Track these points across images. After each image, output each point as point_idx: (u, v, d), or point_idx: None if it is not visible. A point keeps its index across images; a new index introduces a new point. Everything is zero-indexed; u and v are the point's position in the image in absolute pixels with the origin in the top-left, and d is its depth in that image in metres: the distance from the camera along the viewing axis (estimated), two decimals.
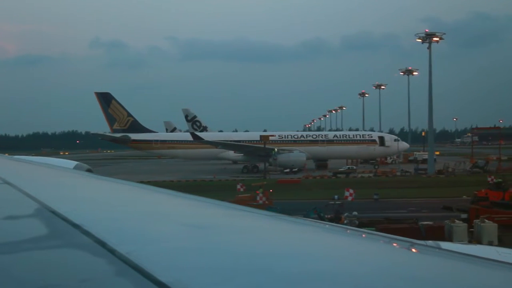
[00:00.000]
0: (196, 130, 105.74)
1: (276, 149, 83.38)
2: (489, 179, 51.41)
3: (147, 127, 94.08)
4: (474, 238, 28.36)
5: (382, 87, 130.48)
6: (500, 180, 47.09)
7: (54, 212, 2.99)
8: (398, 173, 76.99)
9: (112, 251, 2.16)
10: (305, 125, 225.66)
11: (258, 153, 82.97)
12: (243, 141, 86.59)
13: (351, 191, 44.76)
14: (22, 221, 3.02)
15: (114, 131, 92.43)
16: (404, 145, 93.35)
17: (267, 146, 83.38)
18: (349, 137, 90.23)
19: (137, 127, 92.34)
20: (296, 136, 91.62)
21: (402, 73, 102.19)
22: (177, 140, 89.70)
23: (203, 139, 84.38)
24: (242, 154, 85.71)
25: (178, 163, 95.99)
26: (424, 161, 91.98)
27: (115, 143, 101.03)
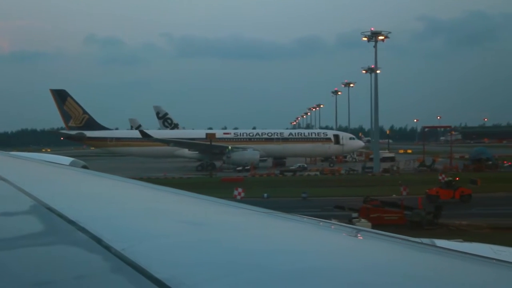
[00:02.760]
0: (167, 127, 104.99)
1: (230, 147, 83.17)
2: (440, 177, 51.52)
3: (103, 125, 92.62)
4: None
5: (351, 85, 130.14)
6: (450, 178, 47.49)
7: (50, 209, 2.99)
8: (343, 172, 77.06)
9: (107, 248, 2.17)
10: (291, 123, 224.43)
11: (212, 151, 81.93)
12: (191, 139, 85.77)
13: (240, 190, 44.95)
14: (18, 218, 3.02)
15: (70, 128, 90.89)
16: (359, 143, 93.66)
17: (222, 144, 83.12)
18: (304, 135, 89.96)
19: (93, 125, 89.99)
20: (251, 134, 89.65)
21: (364, 72, 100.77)
22: (132, 138, 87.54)
23: (152, 137, 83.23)
24: (197, 152, 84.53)
25: (147, 161, 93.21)
26: (385, 159, 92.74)
27: (71, 141, 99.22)
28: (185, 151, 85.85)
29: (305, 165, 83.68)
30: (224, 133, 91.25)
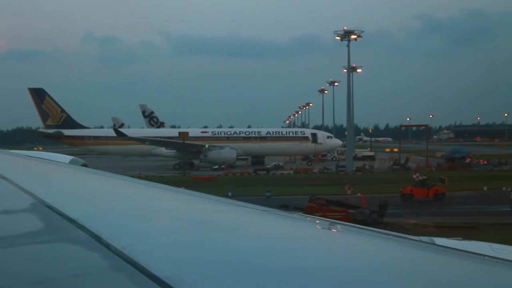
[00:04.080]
0: (153, 126, 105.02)
1: (207, 146, 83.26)
2: (414, 176, 51.57)
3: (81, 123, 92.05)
4: None
5: (336, 83, 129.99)
6: (425, 177, 47.95)
7: (49, 207, 3.00)
8: (316, 171, 77.33)
9: (107, 246, 2.17)
10: (285, 121, 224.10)
11: (188, 150, 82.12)
12: (168, 137, 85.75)
13: (183, 188, 44.76)
14: (18, 216, 3.03)
15: (47, 127, 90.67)
16: (337, 142, 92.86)
17: (200, 143, 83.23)
18: (281, 134, 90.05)
19: (71, 123, 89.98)
20: (229, 133, 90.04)
21: (345, 70, 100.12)
22: (110, 137, 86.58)
23: (127, 136, 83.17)
24: (174, 151, 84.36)
25: (128, 160, 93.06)
26: (364, 158, 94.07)
27: (49, 139, 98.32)
28: (163, 150, 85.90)
29: (281, 164, 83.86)
30: (202, 132, 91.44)
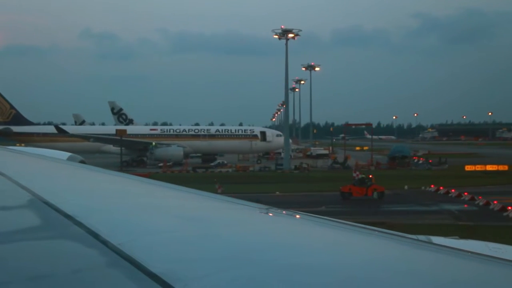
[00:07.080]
0: (122, 123, 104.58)
1: (154, 143, 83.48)
2: (354, 174, 52.02)
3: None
4: None
5: (302, 82, 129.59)
6: (363, 176, 48.30)
7: (47, 203, 2.99)
8: (253, 169, 77.72)
9: (104, 242, 2.17)
10: (271, 119, 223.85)
11: (135, 147, 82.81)
12: (113, 135, 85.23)
13: None
14: (16, 212, 3.03)
15: None
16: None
17: (147, 140, 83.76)
18: (231, 132, 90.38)
19: (20, 120, 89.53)
20: (178, 130, 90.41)
21: (304, 69, 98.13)
22: (58, 133, 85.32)
23: (68, 133, 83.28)
24: (123, 148, 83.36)
25: (84, 157, 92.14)
26: (320, 156, 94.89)
27: None
28: (111, 147, 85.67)
29: (225, 162, 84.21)
30: (151, 129, 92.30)
